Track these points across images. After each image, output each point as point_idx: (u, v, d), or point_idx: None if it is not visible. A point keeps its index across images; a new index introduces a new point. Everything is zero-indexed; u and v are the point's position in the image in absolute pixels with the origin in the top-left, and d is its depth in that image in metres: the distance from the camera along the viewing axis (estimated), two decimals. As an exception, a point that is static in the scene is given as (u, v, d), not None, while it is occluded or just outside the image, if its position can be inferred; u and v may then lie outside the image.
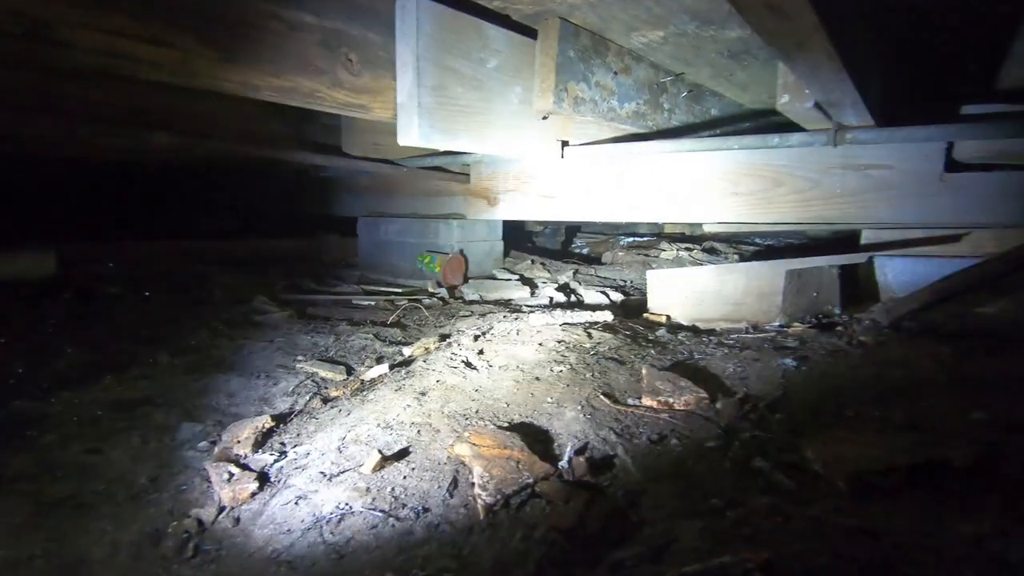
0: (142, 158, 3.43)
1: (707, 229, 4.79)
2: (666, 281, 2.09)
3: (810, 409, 1.12)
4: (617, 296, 2.83)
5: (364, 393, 1.46)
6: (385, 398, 1.37)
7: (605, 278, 3.43)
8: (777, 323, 1.79)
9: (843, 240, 2.98)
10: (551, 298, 2.81)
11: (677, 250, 3.84)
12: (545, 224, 4.66)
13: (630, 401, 1.24)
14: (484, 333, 1.86)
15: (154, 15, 1.26)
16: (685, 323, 2.01)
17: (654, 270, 2.12)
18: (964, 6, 1.60)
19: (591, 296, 2.87)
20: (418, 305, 2.66)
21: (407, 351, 1.83)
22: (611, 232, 5.22)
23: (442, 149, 2.02)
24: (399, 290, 3.02)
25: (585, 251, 4.89)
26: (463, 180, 3.23)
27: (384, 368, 1.61)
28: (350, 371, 1.68)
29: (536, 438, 1.11)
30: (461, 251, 3.25)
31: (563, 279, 3.29)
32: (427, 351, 1.83)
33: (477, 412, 1.24)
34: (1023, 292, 1.54)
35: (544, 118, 2.32)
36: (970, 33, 1.81)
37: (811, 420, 1.08)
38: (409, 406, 1.28)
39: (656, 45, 2.46)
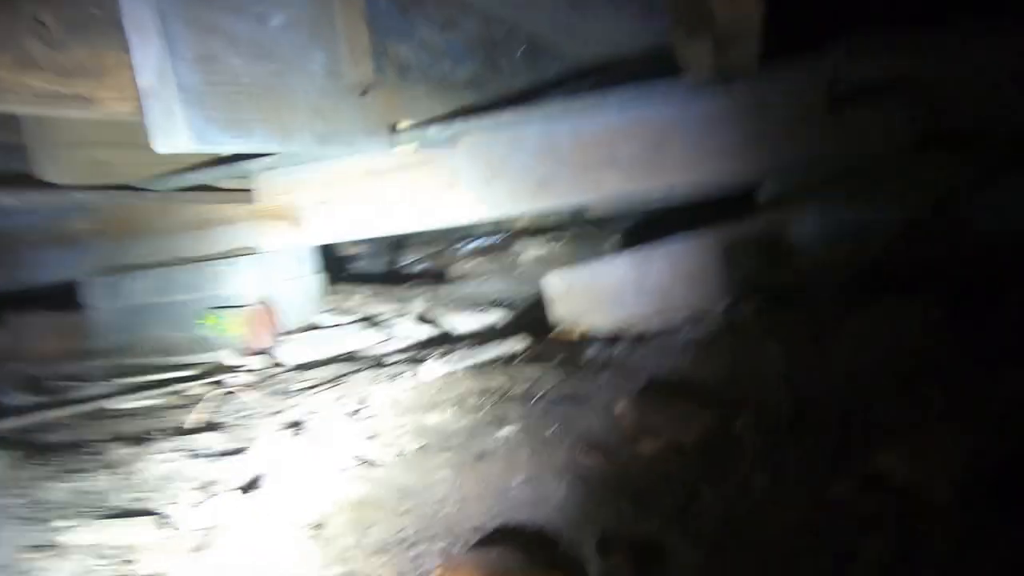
0: None
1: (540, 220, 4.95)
2: (571, 284, 2.03)
3: (837, 409, 1.11)
4: (496, 316, 2.73)
5: (207, 552, 1.13)
6: (254, 553, 1.07)
7: (466, 298, 3.31)
8: (722, 306, 1.83)
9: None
10: (409, 337, 2.61)
11: (541, 246, 3.88)
12: (366, 243, 4.40)
13: (625, 451, 1.13)
14: (360, 407, 1.61)
15: None
16: (606, 331, 1.96)
17: (551, 274, 2.05)
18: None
19: (463, 323, 2.73)
20: (225, 389, 2.26)
21: (242, 463, 1.51)
22: (445, 239, 5.14)
23: (229, 151, 1.73)
24: (183, 373, 2.56)
25: (419, 268, 4.75)
26: (246, 199, 2.87)
27: (230, 502, 1.29)
28: (163, 521, 1.31)
29: (531, 544, 0.93)
30: (266, 300, 2.88)
31: (416, 309, 3.10)
32: (276, 453, 1.53)
33: (421, 532, 1.02)
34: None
35: (363, 93, 2.12)
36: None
37: (846, 423, 1.07)
38: (305, 556, 1.01)
39: (489, -14, 2.42)
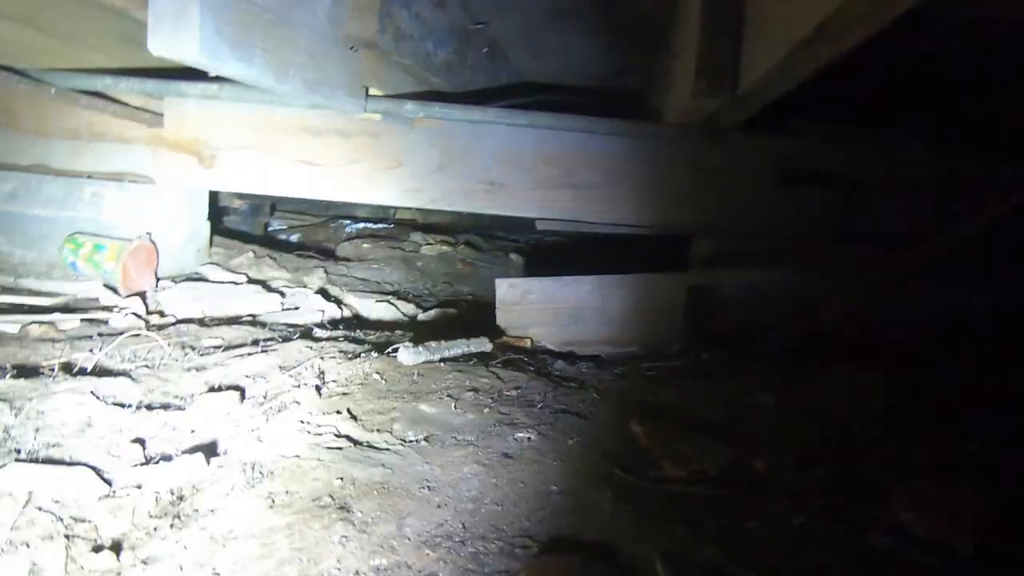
0: None
1: (433, 217, 4.91)
2: (525, 294, 2.03)
3: (841, 453, 1.23)
4: (408, 309, 2.64)
5: (186, 523, 0.97)
6: (253, 526, 0.94)
7: (367, 280, 3.17)
8: (676, 346, 1.93)
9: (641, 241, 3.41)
10: (322, 312, 2.44)
11: (440, 243, 3.82)
12: (245, 199, 4.04)
13: (651, 474, 1.15)
14: (321, 383, 1.47)
15: None
16: (555, 348, 1.99)
17: (509, 279, 2.05)
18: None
19: (372, 309, 2.61)
20: (116, 330, 1.96)
21: (183, 421, 1.32)
22: (319, 213, 4.89)
23: (227, 75, 1.54)
24: (45, 301, 2.18)
25: (293, 238, 4.48)
26: (149, 121, 2.54)
27: (197, 465, 1.11)
28: (105, 477, 1.10)
29: (598, 557, 0.91)
30: (150, 236, 2.54)
31: (315, 283, 2.90)
32: (227, 417, 1.36)
33: (469, 530, 0.95)
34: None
35: (352, 49, 1.99)
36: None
37: (851, 468, 1.18)
38: (338, 540, 0.91)
39: (484, -24, 2.38)
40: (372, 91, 2.21)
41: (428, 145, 2.42)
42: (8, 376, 1.41)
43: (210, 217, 2.93)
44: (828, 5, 1.08)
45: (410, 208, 4.87)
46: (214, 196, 3.01)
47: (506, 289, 2.03)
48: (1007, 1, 1.69)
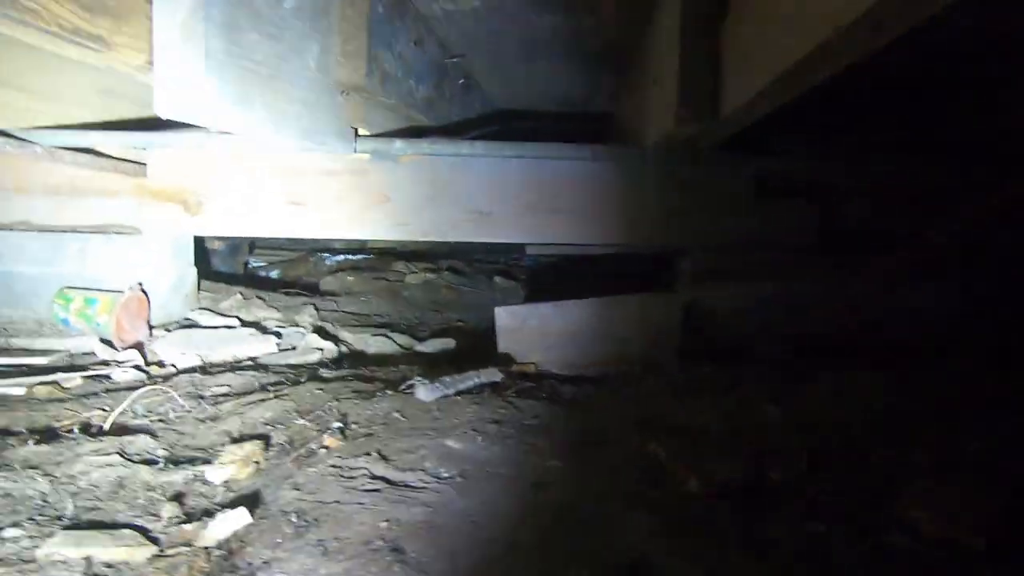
0: None
1: (411, 245, 4.95)
2: (524, 321, 2.08)
3: (846, 456, 1.30)
4: (403, 340, 2.68)
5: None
6: (311, 574, 0.97)
7: (357, 314, 3.19)
8: (676, 363, 2.00)
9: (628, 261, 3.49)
10: (320, 350, 2.46)
11: (423, 272, 3.86)
12: (221, 240, 4.04)
13: (678, 490, 1.21)
14: (342, 425, 1.51)
15: None
16: (558, 371, 2.04)
17: (505, 308, 2.10)
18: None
19: (369, 343, 2.64)
20: (114, 385, 1.96)
21: (215, 474, 1.34)
22: (296, 248, 4.91)
23: (230, 130, 1.59)
24: (41, 360, 2.16)
25: (273, 274, 4.48)
26: (132, 172, 2.55)
27: (241, 517, 1.14)
28: (150, 536, 1.12)
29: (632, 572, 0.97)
30: (141, 286, 2.54)
31: (306, 320, 2.92)
32: (258, 468, 1.39)
33: (525, 559, 1.00)
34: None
35: (344, 94, 2.05)
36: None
37: (859, 471, 1.26)
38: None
39: (458, 17, 2.46)
40: (362, 131, 2.27)
41: (415, 180, 2.47)
42: (31, 442, 1.41)
43: (195, 262, 2.94)
44: (813, 39, 1.17)
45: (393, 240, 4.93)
46: (197, 240, 3.01)
47: (505, 317, 2.08)
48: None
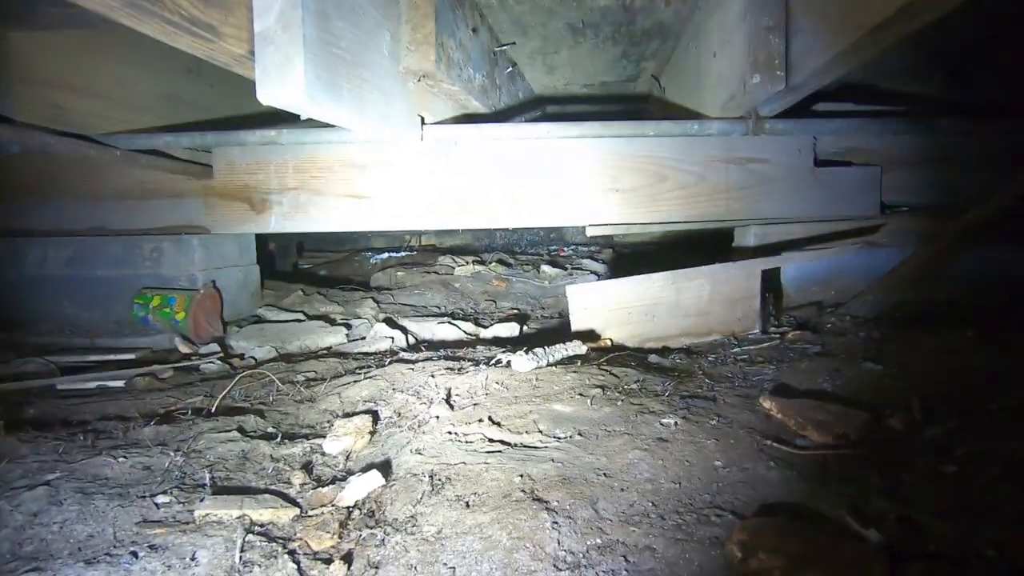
0: None
1: (449, 240, 4.99)
2: (596, 298, 2.10)
3: (962, 406, 1.30)
4: (469, 327, 2.71)
5: (389, 532, 1.03)
6: (459, 525, 1.00)
7: (414, 306, 3.23)
8: (756, 330, 2.01)
9: (692, 241, 3.50)
10: (391, 339, 2.50)
11: (471, 264, 3.89)
12: (276, 241, 4.12)
13: (798, 442, 1.22)
14: (447, 397, 1.54)
15: None
16: (633, 346, 2.06)
17: (577, 285, 2.11)
18: None
19: (435, 331, 2.67)
20: (204, 376, 2.02)
21: (332, 446, 1.37)
22: (339, 249, 4.98)
23: (320, 116, 1.62)
24: (126, 356, 2.23)
25: (322, 273, 4.55)
26: (198, 173, 2.60)
27: (374, 479, 1.17)
28: (290, 499, 1.16)
29: (795, 515, 0.98)
30: (214, 284, 2.61)
31: (367, 312, 2.97)
32: (372, 438, 1.42)
33: (660, 506, 1.02)
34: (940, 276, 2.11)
35: (418, 80, 2.08)
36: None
37: (980, 418, 1.26)
38: (547, 527, 0.97)
39: (512, 3, 2.49)
40: (428, 119, 2.30)
41: (476, 166, 2.50)
42: (153, 423, 1.46)
43: (257, 260, 3.01)
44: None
45: (430, 232, 4.97)
46: (258, 239, 3.07)
47: (578, 295, 2.10)
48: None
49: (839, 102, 2.55)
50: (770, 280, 2.17)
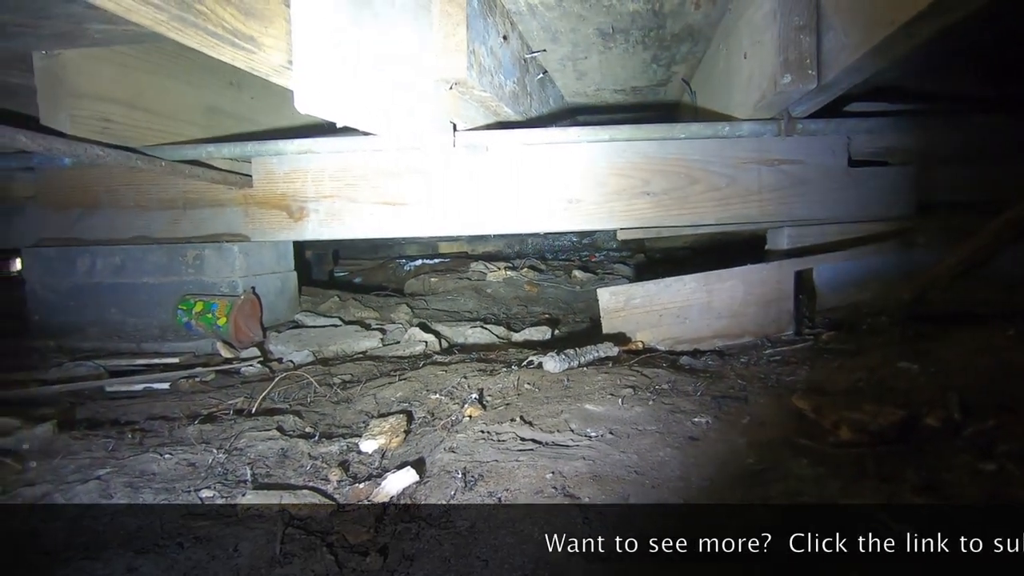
0: None
1: (480, 247, 5.02)
2: (627, 300, 2.10)
3: (1003, 404, 1.27)
4: (501, 331, 2.72)
5: (423, 526, 1.04)
6: (491, 519, 1.01)
7: (447, 311, 3.27)
8: (790, 332, 1.99)
9: (720, 245, 3.48)
10: (424, 343, 2.53)
11: (503, 270, 3.91)
12: (312, 249, 4.20)
13: (832, 440, 1.21)
14: (479, 398, 1.55)
15: None
16: (665, 345, 2.05)
17: (608, 288, 2.11)
18: None
19: (468, 335, 2.69)
20: (245, 378, 2.07)
21: (367, 444, 1.40)
22: (373, 257, 5.05)
23: (356, 126, 1.66)
24: (171, 360, 2.29)
25: (357, 280, 4.62)
26: (238, 183, 2.67)
27: (409, 476, 1.19)
28: (328, 497, 1.19)
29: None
30: (254, 290, 2.67)
31: (402, 317, 3.01)
32: (406, 437, 1.44)
33: (691, 503, 1.02)
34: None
35: (450, 87, 2.11)
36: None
37: (1009, 420, 1.23)
38: (582, 522, 0.97)
39: (542, 10, 2.51)
40: (460, 125, 2.33)
41: (507, 172, 2.52)
42: (196, 422, 1.50)
43: (295, 268, 3.07)
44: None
45: (459, 239, 5.01)
46: (295, 247, 3.14)
47: (608, 297, 2.10)
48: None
49: (872, 102, 2.52)
50: (804, 281, 2.15)
